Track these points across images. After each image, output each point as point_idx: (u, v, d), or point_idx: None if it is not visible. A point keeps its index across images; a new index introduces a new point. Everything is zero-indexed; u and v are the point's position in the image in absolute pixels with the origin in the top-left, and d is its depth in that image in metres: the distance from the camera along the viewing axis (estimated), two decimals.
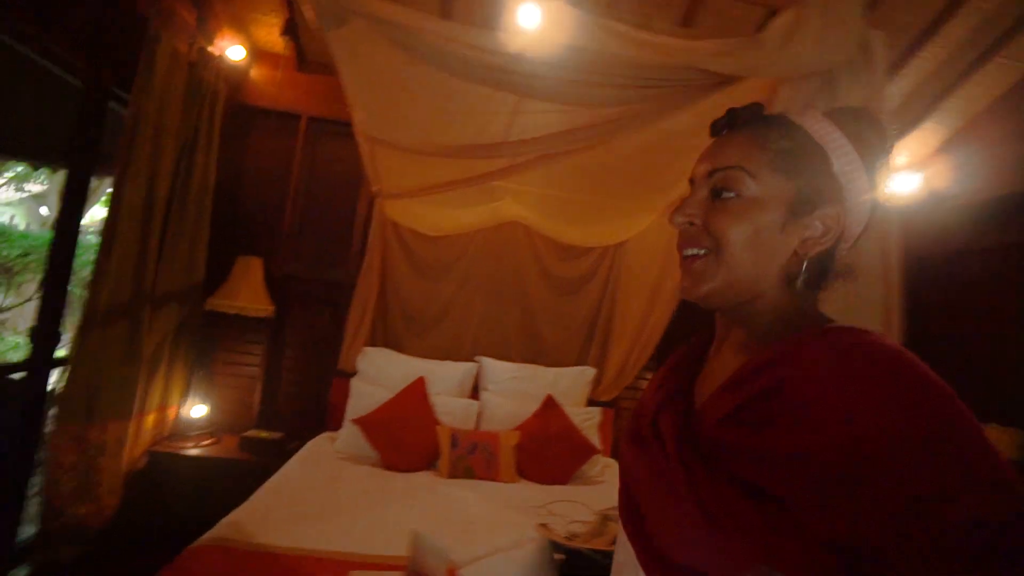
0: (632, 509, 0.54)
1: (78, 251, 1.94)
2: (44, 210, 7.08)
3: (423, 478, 2.29)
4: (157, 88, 2.05)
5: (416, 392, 2.56)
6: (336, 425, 2.64)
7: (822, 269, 0.52)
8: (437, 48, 1.46)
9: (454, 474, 2.31)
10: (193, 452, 2.41)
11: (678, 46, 1.34)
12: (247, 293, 2.63)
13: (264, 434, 2.56)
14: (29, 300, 4.34)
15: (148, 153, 2.06)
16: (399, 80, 1.73)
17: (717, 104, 1.14)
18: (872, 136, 0.51)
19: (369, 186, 2.63)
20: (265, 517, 1.68)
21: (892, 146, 0.53)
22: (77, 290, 3.22)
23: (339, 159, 2.92)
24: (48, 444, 1.91)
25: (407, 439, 2.40)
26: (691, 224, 0.53)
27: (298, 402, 2.89)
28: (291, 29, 2.58)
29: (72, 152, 1.88)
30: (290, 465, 2.19)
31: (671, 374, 0.59)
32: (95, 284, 1.97)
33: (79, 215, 1.94)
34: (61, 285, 1.87)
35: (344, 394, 2.62)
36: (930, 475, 0.35)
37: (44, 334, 1.83)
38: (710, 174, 0.53)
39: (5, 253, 4.09)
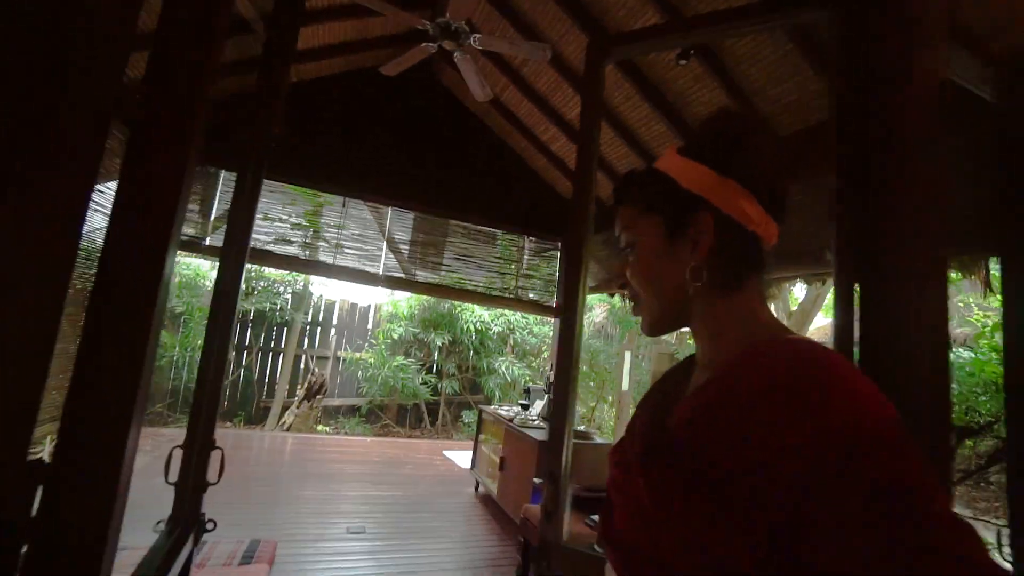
0: (607, 515, 0.61)
1: None
2: None
3: None
4: None
5: None
6: None
7: (730, 264, 0.57)
8: None
9: None
10: None
11: None
12: None
13: None
14: None
15: None
16: None
17: None
18: (718, 137, 0.59)
19: None
20: None
21: (749, 128, 0.60)
22: None
23: None
24: None
25: None
26: (623, 285, 0.64)
27: None
28: None
29: None
30: None
31: (650, 397, 0.67)
32: None
33: None
34: None
35: None
36: (826, 481, 0.39)
37: None
38: (618, 240, 0.64)
39: None
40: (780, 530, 0.40)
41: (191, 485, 1.24)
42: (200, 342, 6.67)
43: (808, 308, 8.83)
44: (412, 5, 3.80)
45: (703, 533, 0.44)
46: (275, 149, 1.77)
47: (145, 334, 0.68)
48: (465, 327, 8.00)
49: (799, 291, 8.66)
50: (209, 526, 1.29)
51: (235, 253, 1.48)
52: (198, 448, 1.25)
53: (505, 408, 5.01)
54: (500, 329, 8.32)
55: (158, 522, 1.19)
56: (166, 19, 0.77)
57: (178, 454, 1.27)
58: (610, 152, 4.05)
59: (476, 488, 4.86)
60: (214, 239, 3.99)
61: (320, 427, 7.31)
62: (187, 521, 1.20)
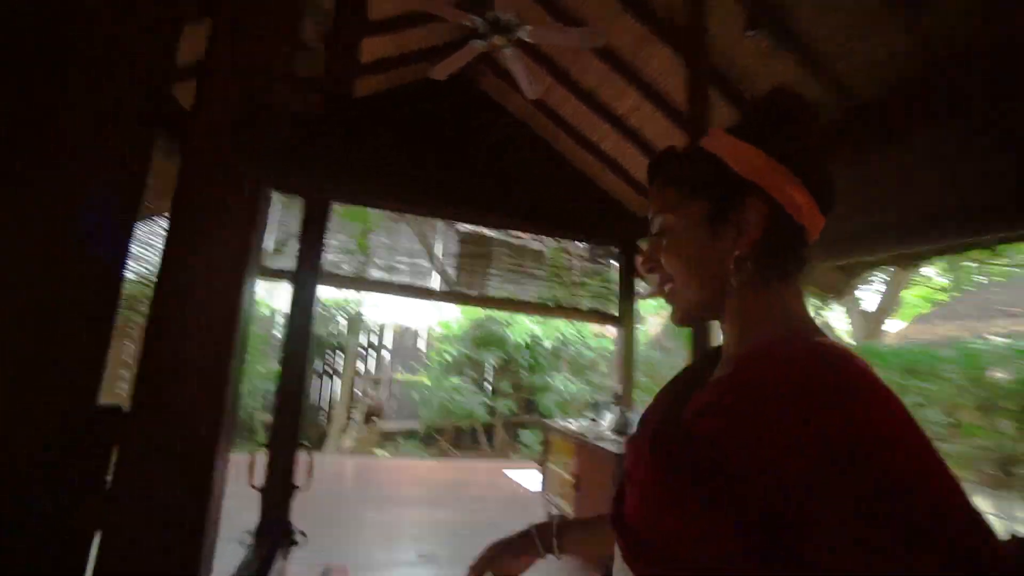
0: (619, 499, 0.60)
1: None
2: None
3: None
4: None
5: None
6: None
7: (774, 258, 0.54)
8: None
9: None
10: None
11: None
12: None
13: None
14: None
15: None
16: None
17: None
18: (774, 119, 0.54)
19: None
20: None
21: (808, 111, 0.55)
22: None
23: None
24: None
25: None
26: (652, 270, 0.61)
27: None
28: None
29: None
30: None
31: (671, 386, 0.66)
32: None
33: None
34: None
35: None
36: (839, 482, 0.38)
37: None
38: (651, 222, 0.61)
39: None
40: (784, 529, 0.40)
41: (279, 489, 1.09)
42: (257, 367, 6.78)
43: (885, 307, 8.15)
44: (458, 5, 3.77)
45: (701, 522, 0.45)
46: (326, 170, 1.73)
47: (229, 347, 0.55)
48: (516, 344, 7.81)
49: (866, 294, 8.08)
50: (298, 539, 1.14)
51: (308, 274, 1.49)
52: (285, 447, 1.11)
53: (572, 423, 4.75)
54: (553, 344, 8.07)
55: (244, 532, 1.05)
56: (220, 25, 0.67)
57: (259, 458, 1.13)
58: (662, 141, 3.84)
59: (548, 511, 4.57)
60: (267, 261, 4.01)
61: (378, 450, 7.23)
62: (278, 531, 1.05)
